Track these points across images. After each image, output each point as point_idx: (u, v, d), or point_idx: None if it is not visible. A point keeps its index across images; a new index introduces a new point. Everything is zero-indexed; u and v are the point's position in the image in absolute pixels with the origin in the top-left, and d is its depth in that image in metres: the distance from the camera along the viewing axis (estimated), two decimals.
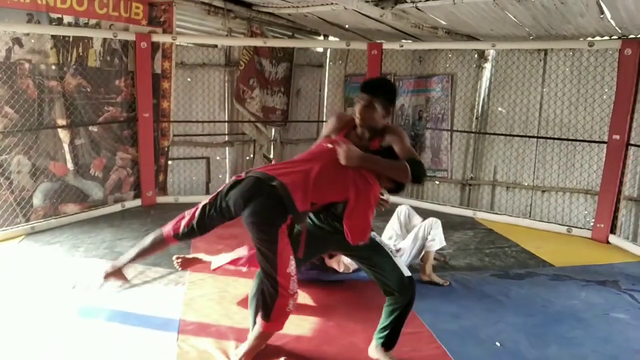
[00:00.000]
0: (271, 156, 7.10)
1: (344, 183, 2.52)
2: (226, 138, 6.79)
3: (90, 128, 5.32)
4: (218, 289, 3.61)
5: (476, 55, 6.22)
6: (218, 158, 6.74)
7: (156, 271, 3.88)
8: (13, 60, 4.63)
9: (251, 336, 2.67)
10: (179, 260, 3.61)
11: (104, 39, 5.28)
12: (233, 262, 3.49)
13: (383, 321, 2.72)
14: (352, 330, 2.77)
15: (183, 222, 2.69)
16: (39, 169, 4.92)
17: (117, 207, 5.55)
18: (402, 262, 2.80)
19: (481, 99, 6.29)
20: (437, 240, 3.70)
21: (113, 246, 4.42)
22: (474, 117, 6.34)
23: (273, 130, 7.15)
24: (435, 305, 3.44)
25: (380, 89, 2.71)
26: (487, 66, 6.21)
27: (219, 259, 3.58)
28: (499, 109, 6.18)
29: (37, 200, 4.94)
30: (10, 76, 4.59)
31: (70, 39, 5.01)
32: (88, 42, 5.16)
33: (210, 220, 2.64)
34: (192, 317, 3.19)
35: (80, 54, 5.13)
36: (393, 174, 2.58)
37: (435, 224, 3.72)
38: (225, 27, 6.33)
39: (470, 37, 5.85)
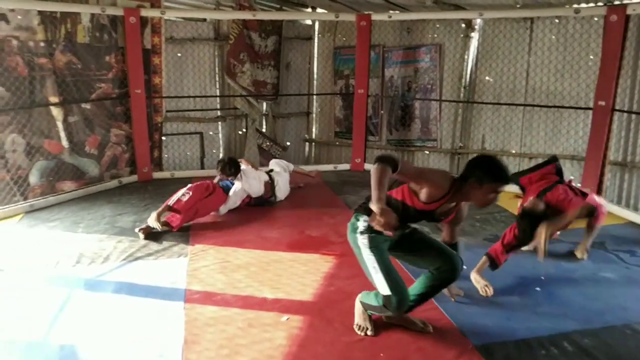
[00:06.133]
0: (264, 130, 7.14)
1: None
2: (218, 113, 6.81)
3: (82, 105, 5.32)
4: (220, 259, 3.72)
5: (463, 25, 6.27)
6: (211, 133, 6.77)
7: (159, 244, 3.98)
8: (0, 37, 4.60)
9: None
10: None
11: (92, 15, 5.23)
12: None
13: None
14: (352, 294, 2.93)
15: None
16: (34, 147, 4.93)
17: (114, 184, 5.60)
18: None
19: (469, 68, 6.36)
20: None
21: (114, 221, 4.48)
22: (462, 87, 6.43)
23: (264, 104, 7.17)
24: None
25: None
26: (475, 35, 6.26)
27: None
28: (487, 78, 6.26)
29: (33, 178, 4.97)
30: None
31: (58, 15, 4.97)
32: (76, 17, 5.12)
33: None
34: (197, 287, 3.30)
35: (69, 30, 5.09)
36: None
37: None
38: (213, 1, 6.28)
39: (458, 7, 5.89)
